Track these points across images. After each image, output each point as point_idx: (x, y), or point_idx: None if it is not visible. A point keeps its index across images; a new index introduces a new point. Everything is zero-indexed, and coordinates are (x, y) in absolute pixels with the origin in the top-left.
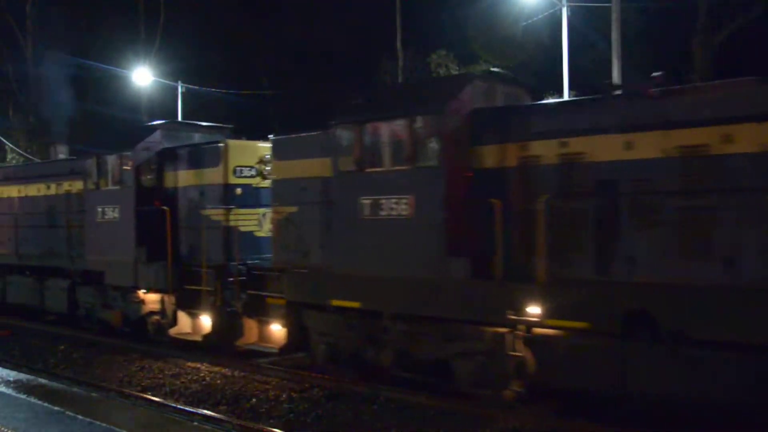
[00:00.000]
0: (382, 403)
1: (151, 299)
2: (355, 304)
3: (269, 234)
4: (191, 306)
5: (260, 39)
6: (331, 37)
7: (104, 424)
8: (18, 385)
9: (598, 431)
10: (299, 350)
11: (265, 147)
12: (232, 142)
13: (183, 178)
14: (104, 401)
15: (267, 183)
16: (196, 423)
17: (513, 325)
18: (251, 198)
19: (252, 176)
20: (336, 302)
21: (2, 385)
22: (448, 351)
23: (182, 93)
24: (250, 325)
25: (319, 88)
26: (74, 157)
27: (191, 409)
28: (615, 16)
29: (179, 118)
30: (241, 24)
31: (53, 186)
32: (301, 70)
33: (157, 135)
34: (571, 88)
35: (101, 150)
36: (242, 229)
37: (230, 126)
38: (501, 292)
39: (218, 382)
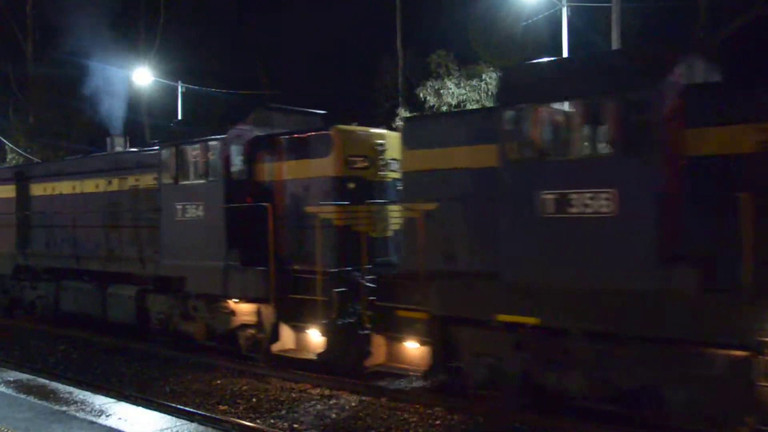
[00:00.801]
0: (382, 403)
1: (244, 310)
2: (532, 320)
3: (384, 234)
4: (296, 318)
5: (260, 38)
6: (331, 37)
7: (104, 424)
8: (18, 385)
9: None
10: (443, 372)
11: (378, 134)
12: (344, 129)
13: (282, 170)
14: (107, 402)
15: (382, 176)
16: (195, 423)
17: (759, 349)
18: (364, 193)
19: (365, 168)
20: (504, 317)
21: (2, 385)
22: (659, 376)
23: (182, 93)
24: (378, 343)
25: (319, 88)
26: (140, 149)
27: (191, 410)
28: (615, 16)
29: (179, 118)
30: (241, 24)
31: (116, 181)
32: (301, 70)
33: (248, 121)
34: None
35: (167, 141)
36: (355, 229)
37: (323, 112)
38: (750, 308)
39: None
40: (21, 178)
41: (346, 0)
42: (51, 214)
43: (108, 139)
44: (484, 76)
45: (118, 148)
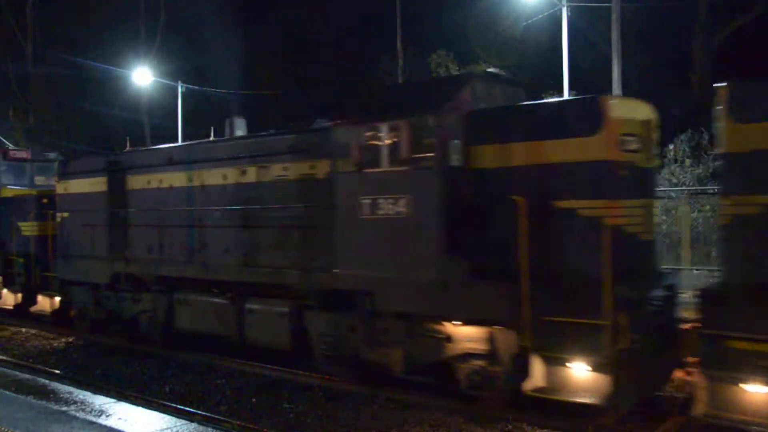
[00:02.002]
0: (382, 403)
1: (467, 335)
2: None
3: (651, 237)
4: (554, 348)
5: (260, 38)
6: (332, 37)
7: (104, 424)
8: (18, 385)
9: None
10: None
11: (646, 107)
12: (617, 99)
13: (515, 153)
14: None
15: (652, 162)
16: (195, 423)
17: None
18: (637, 183)
19: (637, 151)
20: None
21: (2, 385)
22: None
23: (182, 93)
24: (714, 390)
25: (319, 88)
26: (287, 129)
27: (191, 409)
28: (615, 16)
29: (179, 118)
30: (241, 23)
31: (252, 170)
32: (301, 70)
33: (466, 92)
34: (571, 88)
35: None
36: (630, 230)
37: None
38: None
39: None
40: (115, 168)
41: (346, 0)
42: (158, 212)
43: (227, 121)
44: None
45: (240, 132)
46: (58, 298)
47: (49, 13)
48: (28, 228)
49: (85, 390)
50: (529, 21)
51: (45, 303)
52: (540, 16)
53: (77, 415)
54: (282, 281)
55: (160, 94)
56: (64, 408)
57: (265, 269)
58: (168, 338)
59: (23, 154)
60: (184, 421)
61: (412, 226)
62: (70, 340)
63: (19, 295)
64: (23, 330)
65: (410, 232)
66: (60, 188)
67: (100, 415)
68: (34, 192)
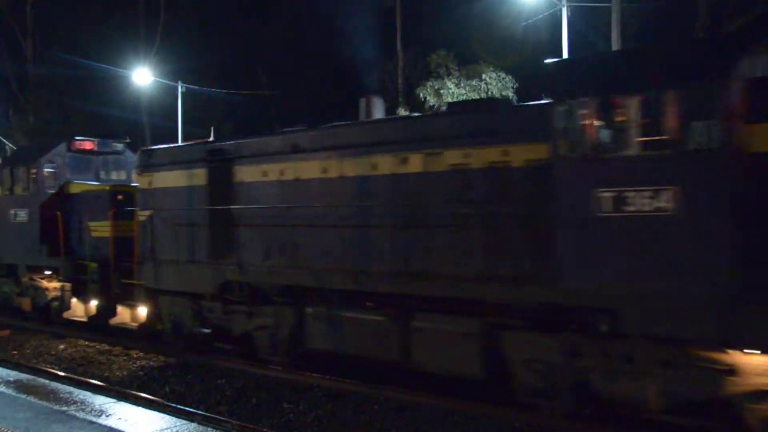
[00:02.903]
0: (382, 403)
1: (763, 367)
2: None
3: None
4: None
5: (260, 39)
6: (331, 37)
7: (104, 424)
8: (18, 385)
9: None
10: None
11: None
12: None
13: None
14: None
15: None
16: (195, 423)
17: None
18: None
19: None
20: None
21: (2, 385)
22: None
23: (182, 93)
24: None
25: (319, 88)
26: (473, 108)
27: (191, 410)
28: (615, 16)
29: (179, 118)
30: (241, 24)
31: (416, 158)
32: (300, 70)
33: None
34: None
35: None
36: None
37: None
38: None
39: None
40: (218, 158)
41: (346, 0)
42: (281, 209)
43: (361, 102)
44: (484, 76)
45: (378, 114)
46: (142, 310)
47: (49, 13)
48: (101, 228)
49: (85, 390)
50: (529, 21)
51: (126, 314)
52: (540, 16)
53: (77, 415)
54: (470, 294)
55: (160, 94)
56: (64, 408)
57: (441, 280)
58: (295, 358)
59: (89, 144)
60: (184, 421)
61: (682, 227)
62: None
63: (93, 305)
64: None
65: (679, 234)
66: (142, 182)
67: (100, 415)
68: (107, 187)
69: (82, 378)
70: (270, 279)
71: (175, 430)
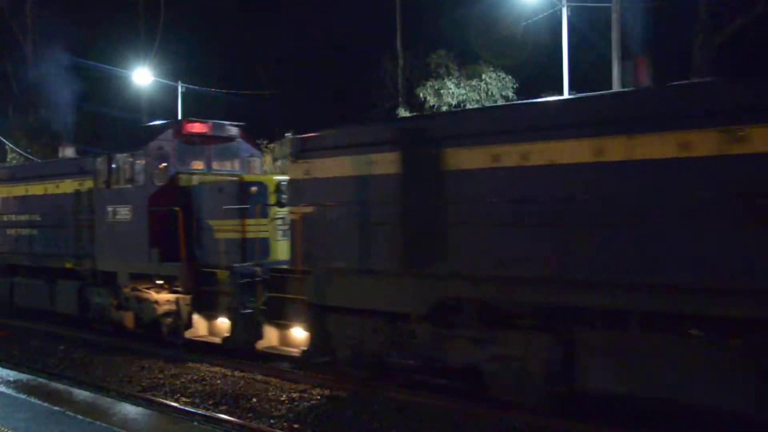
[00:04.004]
0: (382, 403)
1: None
2: None
3: None
4: None
5: (260, 39)
6: (331, 37)
7: (104, 424)
8: (18, 385)
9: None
10: None
11: None
12: None
13: None
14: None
15: None
16: (195, 423)
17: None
18: None
19: None
20: None
21: (2, 385)
22: None
23: (182, 93)
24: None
25: (319, 88)
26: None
27: (191, 409)
28: (615, 16)
29: (179, 118)
30: (241, 24)
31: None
32: (301, 70)
33: None
34: (571, 88)
35: None
36: None
37: None
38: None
39: None
40: (419, 139)
41: (346, 0)
42: (533, 204)
43: (625, 64)
44: (484, 76)
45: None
46: (301, 332)
47: (49, 13)
48: (227, 228)
49: (85, 390)
50: (529, 21)
51: (274, 336)
52: (540, 16)
53: (77, 415)
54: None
55: (160, 95)
56: (64, 408)
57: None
58: (551, 400)
59: (201, 127)
60: (184, 421)
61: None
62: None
63: (224, 324)
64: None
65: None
66: (297, 171)
67: (100, 415)
68: (235, 178)
69: (82, 378)
70: (527, 296)
71: (175, 430)
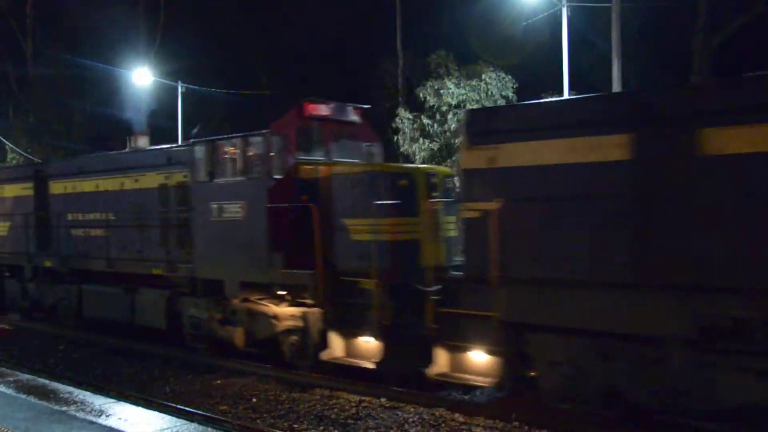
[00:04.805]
0: (382, 403)
1: None
2: None
3: None
4: None
5: (260, 39)
6: (331, 37)
7: (104, 424)
8: (18, 385)
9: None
10: None
11: None
12: None
13: None
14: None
15: None
16: (195, 423)
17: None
18: None
19: None
20: None
21: (2, 385)
22: None
23: (182, 93)
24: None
25: (319, 88)
26: None
27: (191, 409)
28: (615, 16)
29: (179, 118)
30: (241, 23)
31: None
32: (300, 71)
33: None
34: (571, 88)
35: None
36: None
37: None
38: None
39: None
40: (667, 117)
41: (346, 0)
42: None
43: None
44: (484, 76)
45: None
46: (481, 355)
47: (49, 13)
48: (368, 228)
49: (85, 390)
50: (529, 21)
51: (444, 361)
52: (540, 16)
53: (77, 415)
54: None
55: (160, 95)
56: (64, 408)
57: None
58: None
59: (324, 110)
60: (184, 421)
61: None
62: None
63: (369, 344)
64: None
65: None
66: (476, 159)
67: (100, 415)
68: (377, 167)
69: (82, 378)
70: None
71: (175, 430)
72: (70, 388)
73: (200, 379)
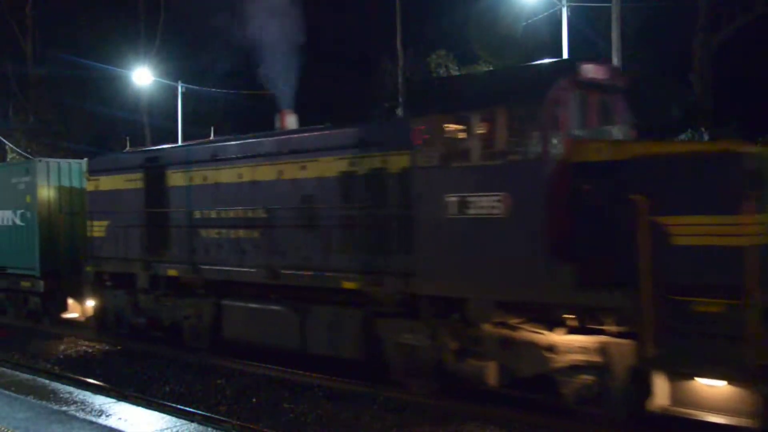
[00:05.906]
0: (382, 403)
1: None
2: None
3: None
4: None
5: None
6: (331, 37)
7: (104, 424)
8: (18, 385)
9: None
10: None
11: None
12: None
13: None
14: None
15: None
16: (195, 423)
17: None
18: None
19: None
20: None
21: (2, 385)
22: None
23: (182, 93)
24: None
25: (318, 87)
26: None
27: (191, 409)
28: (615, 16)
29: (179, 118)
30: (241, 24)
31: None
32: (300, 70)
33: None
34: None
35: None
36: None
37: None
38: None
39: None
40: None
41: (346, 0)
42: None
43: None
44: None
45: None
46: None
47: (49, 13)
48: (704, 230)
49: (85, 390)
50: (529, 21)
51: None
52: (540, 16)
53: (77, 415)
54: None
55: (160, 95)
56: (64, 408)
57: None
58: None
59: (602, 71)
60: (184, 421)
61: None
62: None
63: (729, 390)
64: None
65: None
66: None
67: (100, 415)
68: (713, 147)
69: (81, 378)
70: None
71: (175, 430)
72: (70, 388)
73: (200, 379)
